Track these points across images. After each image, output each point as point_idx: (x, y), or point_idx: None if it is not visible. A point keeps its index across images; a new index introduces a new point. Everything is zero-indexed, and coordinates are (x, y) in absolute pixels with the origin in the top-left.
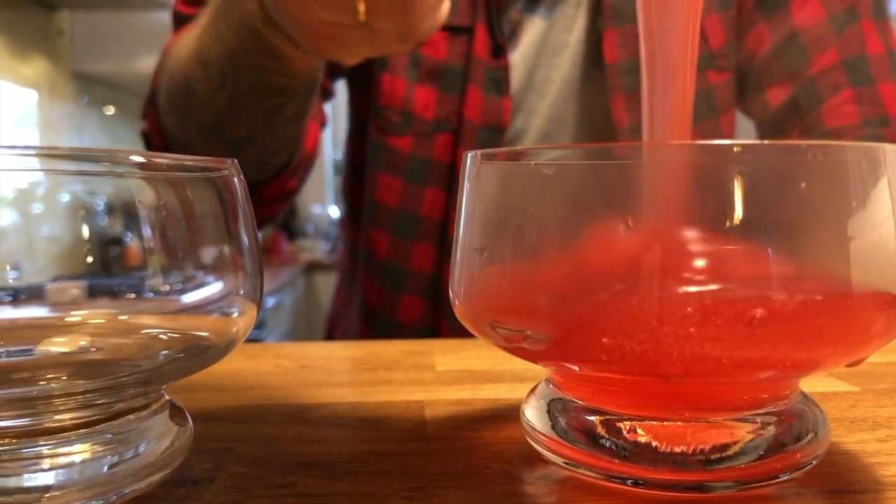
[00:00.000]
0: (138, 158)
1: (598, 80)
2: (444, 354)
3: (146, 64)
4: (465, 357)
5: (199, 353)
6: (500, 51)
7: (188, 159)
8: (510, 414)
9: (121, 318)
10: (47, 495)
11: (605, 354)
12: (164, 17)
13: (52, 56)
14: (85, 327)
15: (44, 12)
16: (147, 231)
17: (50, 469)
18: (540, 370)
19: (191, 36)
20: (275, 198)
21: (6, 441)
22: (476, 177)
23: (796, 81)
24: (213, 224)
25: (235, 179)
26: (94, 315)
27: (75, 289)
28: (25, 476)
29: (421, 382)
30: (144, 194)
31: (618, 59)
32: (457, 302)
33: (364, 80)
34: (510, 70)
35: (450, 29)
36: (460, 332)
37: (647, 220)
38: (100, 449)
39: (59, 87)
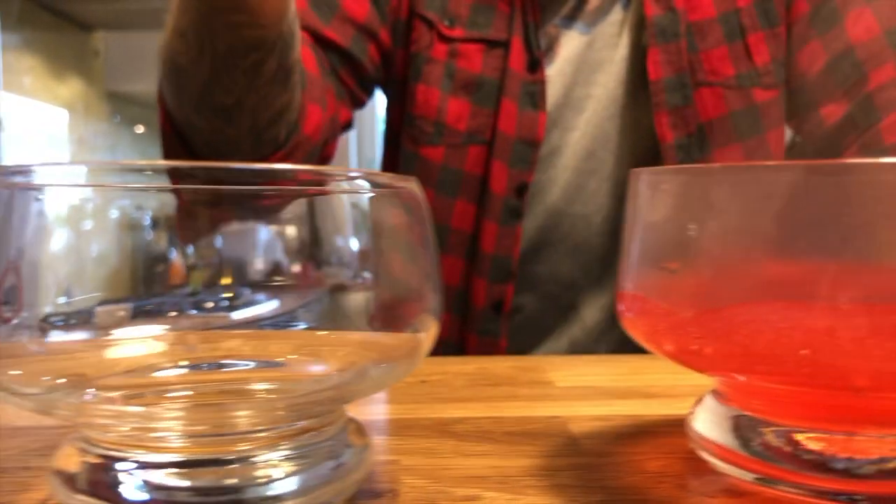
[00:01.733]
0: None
1: (642, 97)
2: (556, 371)
3: None
4: (579, 374)
5: (391, 370)
6: (536, 65)
7: (379, 176)
8: (657, 429)
9: (319, 333)
10: None
11: (800, 367)
12: None
13: (86, 76)
14: (293, 340)
15: (80, 33)
16: (359, 248)
17: (242, 485)
18: (667, 386)
19: (168, 14)
20: None
21: (198, 450)
22: (657, 191)
23: (853, 98)
24: (411, 241)
25: (420, 195)
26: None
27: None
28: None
29: (550, 398)
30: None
31: (662, 76)
32: (630, 315)
33: (398, 90)
34: (546, 84)
35: (486, 42)
36: (489, 347)
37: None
38: (291, 466)
39: (92, 107)
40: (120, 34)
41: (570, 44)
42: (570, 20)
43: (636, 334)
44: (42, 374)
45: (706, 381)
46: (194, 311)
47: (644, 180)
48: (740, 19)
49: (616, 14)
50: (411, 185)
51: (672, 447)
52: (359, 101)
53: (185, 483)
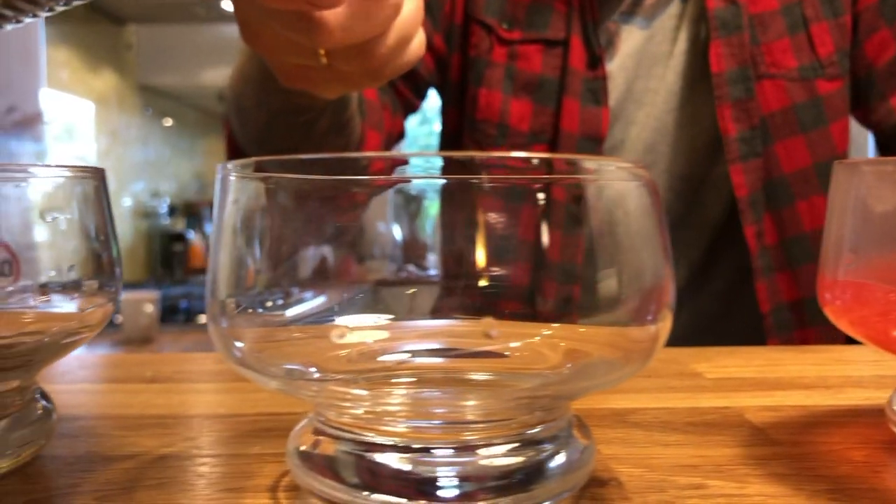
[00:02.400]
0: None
1: (702, 90)
2: (699, 363)
3: (208, 76)
4: (721, 365)
5: (624, 367)
6: (597, 62)
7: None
8: (836, 419)
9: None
10: None
11: None
12: (228, 29)
13: (119, 69)
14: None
15: (114, 27)
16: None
17: (471, 474)
18: (816, 377)
19: (239, 54)
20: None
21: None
22: (887, 181)
23: None
24: (654, 230)
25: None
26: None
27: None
28: (441, 483)
29: (708, 389)
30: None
31: (725, 69)
32: (838, 303)
33: (455, 94)
34: (608, 80)
35: (545, 42)
36: None
37: None
38: (519, 459)
39: (125, 100)
40: (152, 27)
41: (631, 39)
42: (629, 15)
43: (846, 322)
44: (281, 358)
45: (848, 370)
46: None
47: (867, 171)
48: (803, 10)
49: (674, 7)
50: (647, 172)
51: (864, 437)
52: (413, 108)
53: (413, 468)
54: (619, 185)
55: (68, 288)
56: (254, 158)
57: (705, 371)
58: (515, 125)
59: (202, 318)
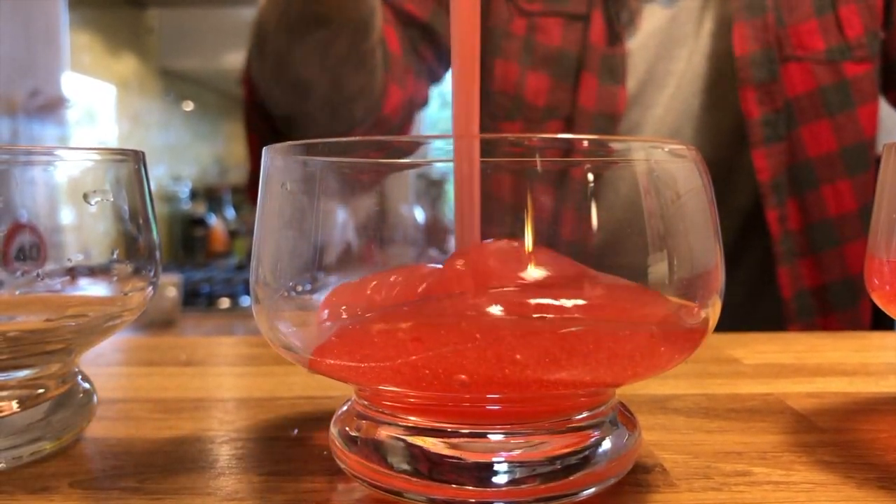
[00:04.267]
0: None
1: (727, 73)
2: (737, 349)
3: (229, 60)
4: (759, 351)
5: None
6: (617, 38)
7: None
8: (879, 406)
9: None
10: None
11: None
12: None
13: (140, 53)
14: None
15: (135, 10)
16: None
17: (516, 466)
18: (857, 364)
19: None
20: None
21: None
22: None
23: None
24: (706, 211)
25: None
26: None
27: None
28: (491, 469)
29: (747, 376)
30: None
31: (748, 51)
32: (887, 288)
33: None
34: (627, 58)
35: (565, 15)
36: None
37: None
38: (565, 447)
39: (146, 84)
40: (173, 11)
41: (653, 18)
42: None
43: (895, 308)
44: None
45: (890, 357)
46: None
47: None
48: None
49: None
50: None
51: None
52: (436, 76)
53: (461, 454)
54: (669, 165)
55: (101, 271)
56: (301, 142)
57: (743, 357)
58: (531, 99)
59: (224, 303)
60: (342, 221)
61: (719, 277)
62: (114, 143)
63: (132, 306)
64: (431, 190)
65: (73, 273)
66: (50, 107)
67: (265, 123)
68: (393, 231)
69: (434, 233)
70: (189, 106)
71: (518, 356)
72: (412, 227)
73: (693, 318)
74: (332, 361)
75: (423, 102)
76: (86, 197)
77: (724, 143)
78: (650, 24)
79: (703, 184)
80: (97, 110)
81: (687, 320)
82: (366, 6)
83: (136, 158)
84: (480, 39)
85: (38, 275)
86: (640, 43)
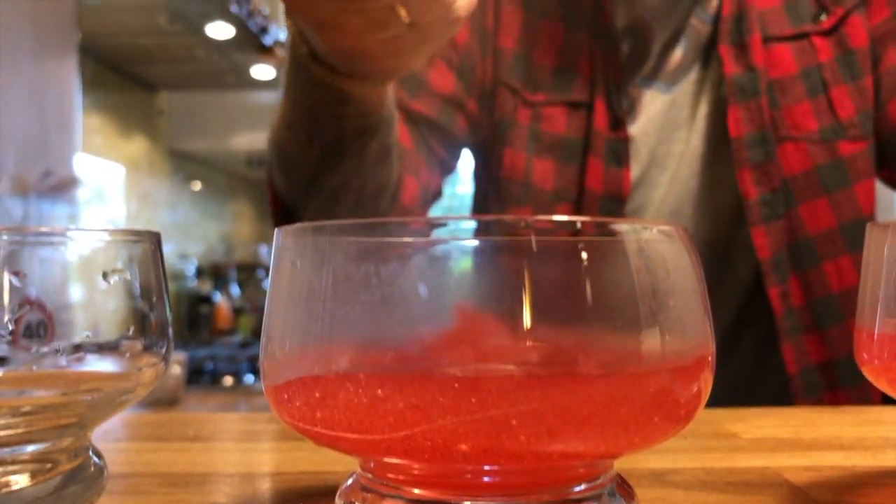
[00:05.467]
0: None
1: (724, 154)
2: (734, 423)
3: (237, 142)
4: (758, 425)
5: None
6: (619, 124)
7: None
8: (876, 480)
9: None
10: None
11: None
12: (257, 96)
13: (150, 134)
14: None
15: (146, 93)
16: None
17: None
18: (853, 438)
19: (279, 107)
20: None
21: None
22: None
23: None
24: (696, 288)
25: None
26: None
27: None
28: None
29: (745, 450)
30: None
31: (743, 133)
32: (876, 362)
33: (485, 155)
34: (630, 142)
35: (569, 104)
36: None
37: None
38: None
39: (155, 164)
40: (183, 94)
41: (653, 103)
42: (651, 80)
43: (885, 382)
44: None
45: (886, 431)
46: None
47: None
48: (822, 74)
49: (695, 73)
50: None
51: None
52: (449, 168)
53: None
54: (660, 245)
55: (113, 347)
56: (311, 223)
57: (741, 431)
58: (539, 184)
59: (228, 381)
60: (350, 298)
61: (710, 351)
62: (122, 221)
63: (145, 382)
64: (434, 268)
65: (84, 348)
66: (61, 187)
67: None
68: (398, 308)
69: (437, 308)
70: (197, 186)
71: (514, 422)
72: (417, 304)
73: (686, 391)
74: (333, 433)
75: (438, 193)
76: (105, 276)
77: (723, 221)
78: (650, 110)
79: (691, 263)
80: (107, 190)
81: (680, 393)
82: (392, 100)
83: (152, 240)
84: (489, 130)
85: (57, 350)
86: (641, 128)
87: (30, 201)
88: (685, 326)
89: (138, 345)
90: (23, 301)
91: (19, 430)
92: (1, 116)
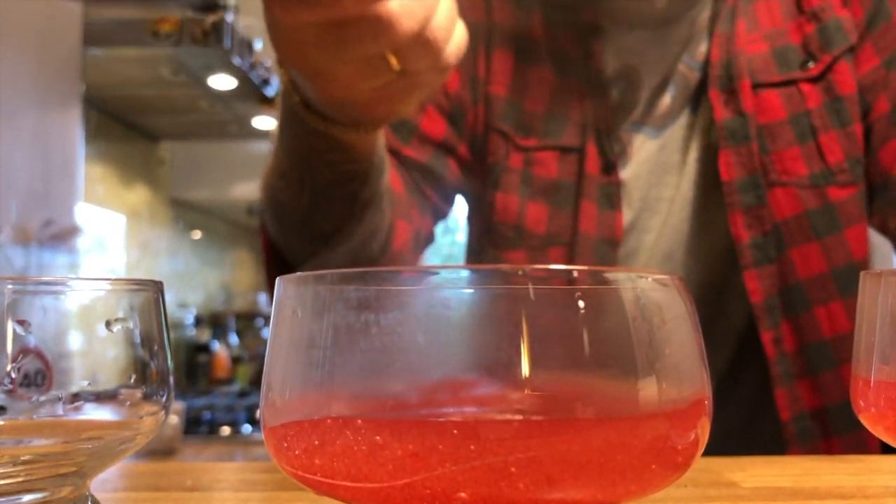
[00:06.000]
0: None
1: (716, 198)
2: (734, 472)
3: (238, 191)
4: (758, 474)
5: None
6: (611, 168)
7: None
8: None
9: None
10: None
11: None
12: (258, 146)
13: (152, 184)
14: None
15: (148, 143)
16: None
17: None
18: (855, 486)
19: (269, 155)
20: None
21: None
22: None
23: None
24: (692, 336)
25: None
26: None
27: None
28: None
29: (745, 499)
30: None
31: (734, 178)
32: (873, 410)
33: (478, 200)
34: (622, 186)
35: (560, 149)
36: None
37: None
38: None
39: (157, 213)
40: (185, 144)
41: (643, 148)
42: (640, 125)
43: (881, 429)
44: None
45: (886, 480)
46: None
47: (892, 281)
48: (811, 120)
49: (685, 118)
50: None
51: None
52: (442, 214)
53: None
54: (656, 293)
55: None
56: (312, 273)
57: (741, 480)
58: (532, 228)
59: (225, 430)
60: (350, 346)
61: (706, 397)
62: (122, 270)
63: (145, 430)
64: (433, 316)
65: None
66: (63, 236)
67: (286, 269)
68: (398, 356)
69: (438, 358)
70: (197, 235)
71: (513, 470)
72: (416, 352)
73: (683, 438)
74: (332, 482)
75: (430, 237)
76: (108, 324)
77: (716, 265)
78: (640, 154)
79: (687, 311)
80: (107, 239)
81: (677, 439)
82: (382, 146)
83: (154, 288)
84: (481, 175)
85: (57, 398)
86: (632, 172)
87: (31, 250)
88: (682, 373)
89: (138, 393)
90: (22, 349)
91: (18, 479)
92: (4, 166)
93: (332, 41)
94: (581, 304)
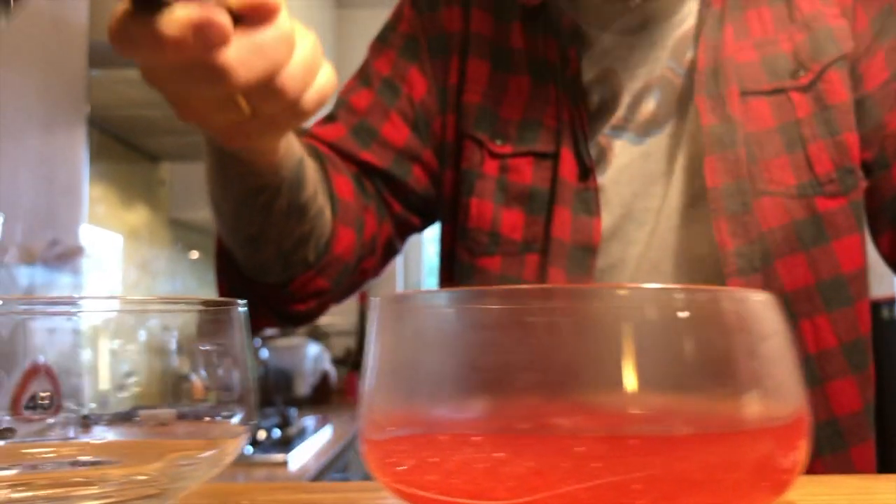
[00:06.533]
0: None
1: (703, 207)
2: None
3: None
4: (813, 493)
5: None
6: (587, 173)
7: None
8: None
9: None
10: None
11: None
12: None
13: (152, 204)
14: None
15: (148, 164)
16: None
17: None
18: None
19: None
20: (304, 295)
21: None
22: None
23: None
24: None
25: None
26: None
27: None
28: None
29: None
30: None
31: (720, 184)
32: None
33: (449, 208)
34: (600, 192)
35: (534, 154)
36: None
37: None
38: None
39: (157, 234)
40: (184, 165)
41: (624, 153)
42: (621, 130)
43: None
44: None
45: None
46: None
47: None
48: (800, 129)
49: (671, 126)
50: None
51: None
52: (409, 224)
53: None
54: (754, 307)
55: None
56: (421, 291)
57: (798, 499)
58: (507, 234)
59: None
60: (467, 363)
61: (807, 415)
62: (120, 290)
63: (230, 451)
64: (551, 334)
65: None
66: (67, 256)
67: (233, 269)
68: (515, 374)
69: (552, 374)
70: (195, 255)
71: (635, 487)
72: (533, 370)
73: (787, 457)
74: (447, 499)
75: (392, 248)
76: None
77: (704, 276)
78: (621, 160)
79: (784, 327)
80: (107, 259)
81: (781, 458)
82: (295, 164)
83: (233, 310)
84: (456, 184)
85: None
86: (611, 177)
87: (36, 270)
88: (784, 390)
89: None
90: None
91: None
92: (9, 186)
93: (179, 78)
94: (685, 318)
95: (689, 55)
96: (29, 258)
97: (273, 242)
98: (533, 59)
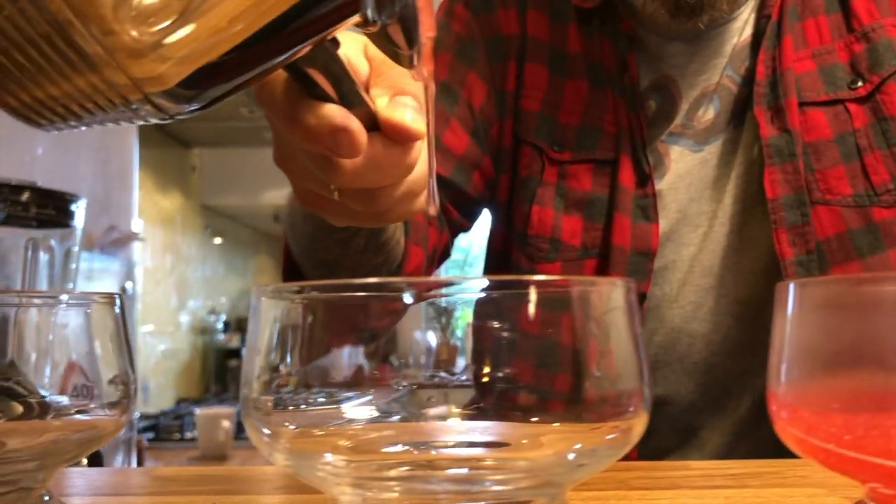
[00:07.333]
0: None
1: (759, 214)
2: None
3: (266, 197)
4: None
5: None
6: (646, 179)
7: None
8: None
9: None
10: None
11: None
12: None
13: (185, 190)
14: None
15: (181, 150)
16: None
17: None
18: None
19: None
20: (380, 314)
21: None
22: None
23: None
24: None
25: None
26: None
27: None
28: None
29: None
30: None
31: (780, 195)
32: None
33: (503, 212)
34: (658, 198)
35: (594, 161)
36: None
37: None
38: None
39: (189, 219)
40: (215, 150)
41: (682, 160)
42: (678, 136)
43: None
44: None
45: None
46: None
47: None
48: (857, 140)
49: (728, 133)
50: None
51: None
52: (461, 227)
53: None
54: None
55: None
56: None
57: None
58: (567, 240)
59: None
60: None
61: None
62: (160, 276)
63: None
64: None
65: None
66: (122, 241)
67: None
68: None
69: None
70: (218, 240)
71: None
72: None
73: None
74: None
75: (445, 252)
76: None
77: (757, 282)
78: (679, 166)
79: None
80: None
81: None
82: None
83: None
84: (512, 189)
85: None
86: (669, 183)
87: (94, 256)
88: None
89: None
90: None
91: None
92: (71, 173)
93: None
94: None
95: (746, 63)
96: (88, 245)
97: (347, 269)
98: (590, 63)
